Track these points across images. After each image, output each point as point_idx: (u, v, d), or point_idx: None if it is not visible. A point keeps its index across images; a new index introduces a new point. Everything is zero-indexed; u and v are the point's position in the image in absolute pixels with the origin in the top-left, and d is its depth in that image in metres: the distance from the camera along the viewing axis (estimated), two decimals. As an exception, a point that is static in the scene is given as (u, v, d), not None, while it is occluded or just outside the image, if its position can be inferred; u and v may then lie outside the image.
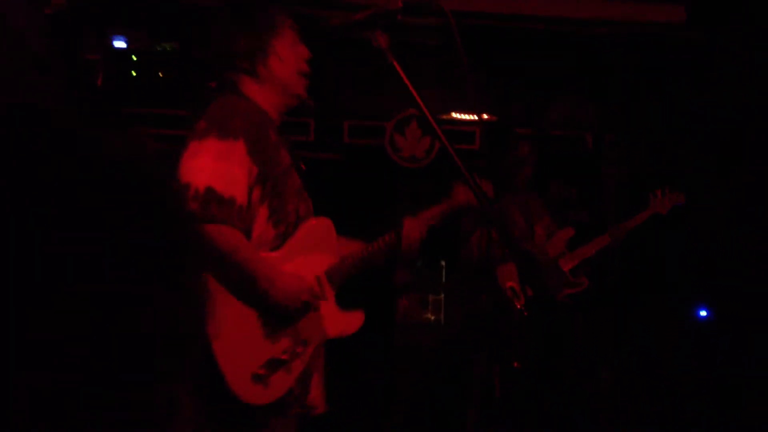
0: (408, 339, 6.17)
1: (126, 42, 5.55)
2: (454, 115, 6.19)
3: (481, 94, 5.82)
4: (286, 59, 2.86)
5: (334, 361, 2.94)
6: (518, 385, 4.70)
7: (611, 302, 5.76)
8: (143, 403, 0.60)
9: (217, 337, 2.58)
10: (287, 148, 2.85)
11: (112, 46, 5.52)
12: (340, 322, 2.91)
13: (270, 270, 2.67)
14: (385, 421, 5.86)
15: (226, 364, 2.57)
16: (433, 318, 6.36)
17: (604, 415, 5.50)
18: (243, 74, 2.85)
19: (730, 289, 5.60)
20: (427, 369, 6.00)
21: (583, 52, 5.91)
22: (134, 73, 5.60)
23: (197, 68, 5.56)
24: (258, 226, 2.72)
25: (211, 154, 2.62)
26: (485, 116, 6.18)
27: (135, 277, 0.58)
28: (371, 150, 6.09)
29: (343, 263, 2.93)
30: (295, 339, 2.75)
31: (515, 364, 4.51)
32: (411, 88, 2.12)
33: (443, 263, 6.33)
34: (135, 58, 5.58)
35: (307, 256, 2.82)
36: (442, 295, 6.35)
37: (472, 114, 6.15)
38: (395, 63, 2.13)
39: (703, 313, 5.93)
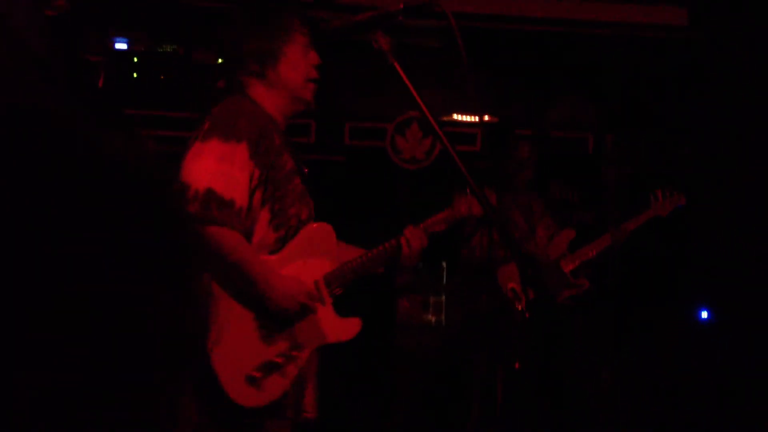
0: (409, 340, 6.17)
1: (127, 43, 5.55)
2: (454, 116, 6.20)
3: (481, 95, 5.82)
4: (297, 65, 2.86)
5: (334, 362, 2.94)
6: (519, 385, 4.70)
7: (612, 303, 5.76)
8: (144, 403, 0.60)
9: (213, 339, 2.58)
10: (291, 153, 2.84)
11: (113, 47, 5.52)
12: (337, 328, 2.90)
13: (268, 272, 2.67)
14: (386, 422, 5.85)
15: (221, 365, 2.58)
16: (433, 319, 6.36)
17: (604, 415, 5.50)
18: (252, 77, 2.84)
19: (730, 290, 5.59)
20: (427, 370, 6.00)
21: (584, 54, 5.92)
22: (135, 75, 5.60)
23: (199, 70, 5.57)
24: (259, 229, 2.72)
25: (214, 155, 2.62)
26: (486, 117, 6.18)
27: (135, 277, 0.58)
28: (372, 152, 6.09)
29: (342, 269, 2.92)
30: (290, 343, 2.75)
31: (516, 365, 4.51)
32: (412, 89, 2.12)
33: (444, 264, 6.33)
34: (136, 60, 5.58)
35: (307, 261, 2.82)
36: (443, 297, 6.35)
37: (473, 115, 6.15)
38: (396, 64, 2.13)
39: (704, 315, 5.93)
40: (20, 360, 0.54)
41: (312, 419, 2.86)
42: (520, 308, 4.46)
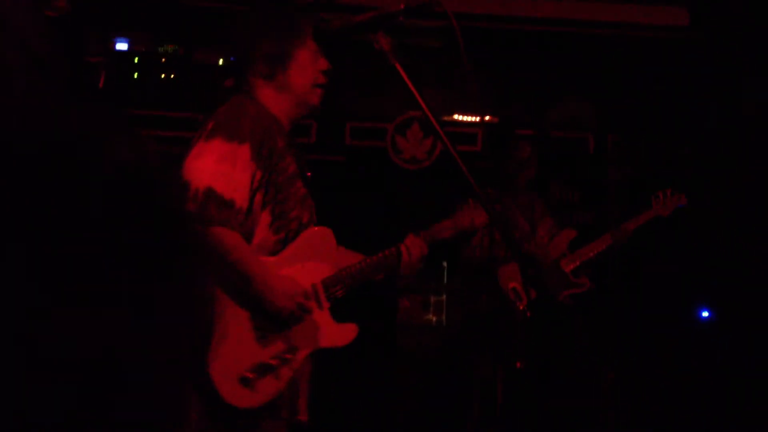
0: (409, 340, 6.17)
1: (128, 44, 5.56)
2: (455, 116, 6.20)
3: (482, 95, 5.82)
4: (306, 70, 2.86)
5: (335, 362, 2.94)
6: (519, 385, 4.70)
7: (613, 303, 5.76)
8: (145, 403, 0.60)
9: (217, 340, 2.59)
10: (294, 156, 2.84)
11: (114, 48, 5.53)
12: (333, 333, 2.89)
13: (265, 272, 2.67)
14: (387, 422, 5.85)
15: (215, 365, 2.58)
16: (434, 319, 6.36)
17: (606, 415, 5.49)
18: (261, 78, 2.84)
19: (730, 290, 5.59)
20: (428, 370, 6.00)
21: (584, 54, 5.92)
22: (136, 75, 5.60)
23: (199, 70, 5.57)
24: (259, 231, 2.72)
25: (215, 155, 2.62)
26: (487, 117, 6.18)
27: (135, 277, 0.58)
28: (373, 152, 6.09)
29: (341, 274, 2.92)
30: (286, 345, 2.75)
31: (518, 365, 4.51)
32: (413, 89, 2.12)
33: (445, 264, 6.32)
34: (137, 60, 5.58)
35: (305, 264, 2.82)
36: (444, 296, 6.34)
37: (474, 115, 6.15)
38: (397, 65, 2.13)
39: (705, 314, 5.93)
40: (20, 360, 0.54)
41: (304, 422, 2.86)
42: (521, 308, 4.45)
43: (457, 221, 3.29)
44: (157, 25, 5.61)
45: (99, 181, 0.58)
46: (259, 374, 2.67)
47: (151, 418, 0.61)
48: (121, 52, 5.55)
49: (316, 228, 2.88)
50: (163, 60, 5.61)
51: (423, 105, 2.13)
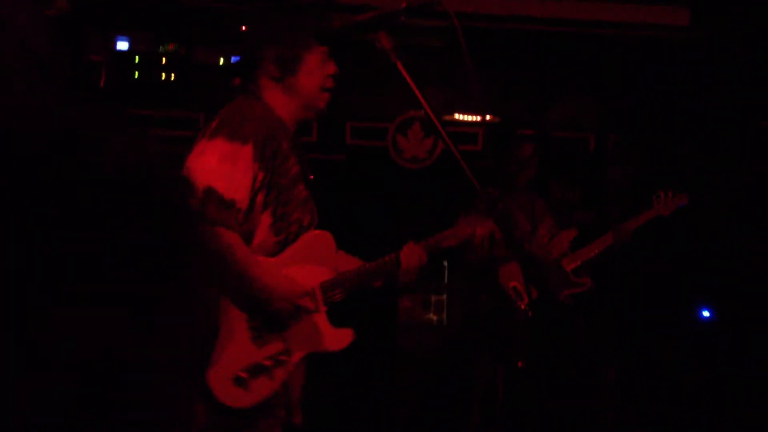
0: (410, 339, 6.17)
1: (129, 43, 5.55)
2: (456, 116, 6.19)
3: (483, 94, 5.82)
4: (315, 73, 2.86)
5: (335, 361, 2.94)
6: (521, 385, 4.70)
7: (613, 303, 5.75)
8: (147, 404, 0.60)
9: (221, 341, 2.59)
10: (298, 158, 2.84)
11: (115, 47, 5.52)
12: (329, 337, 2.89)
13: (264, 272, 2.66)
14: (387, 422, 5.85)
15: (210, 364, 2.57)
16: (435, 318, 6.36)
17: (607, 414, 5.49)
18: (269, 80, 2.84)
19: (730, 290, 5.59)
20: (428, 370, 6.00)
21: (585, 53, 5.91)
22: (137, 75, 5.60)
23: (200, 69, 5.57)
24: (260, 232, 2.71)
25: (217, 154, 2.61)
26: (488, 117, 6.18)
27: (136, 277, 0.58)
28: (373, 151, 6.09)
29: (340, 278, 2.92)
30: (281, 346, 2.74)
31: (519, 364, 4.51)
32: (415, 89, 2.12)
33: (445, 263, 6.32)
34: (137, 60, 5.58)
35: (304, 267, 2.81)
36: (445, 296, 6.34)
37: (475, 115, 6.15)
38: (399, 64, 2.13)
39: (706, 314, 5.93)
40: (20, 360, 0.54)
41: (298, 424, 2.86)
42: (523, 307, 4.45)
43: (458, 231, 3.30)
44: (157, 24, 5.61)
45: (100, 181, 0.58)
46: (253, 374, 2.66)
47: (153, 419, 0.61)
48: (121, 51, 5.55)
49: (316, 231, 2.88)
50: (164, 60, 5.61)
51: (425, 104, 2.13)
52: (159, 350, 0.60)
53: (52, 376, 0.55)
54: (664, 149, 6.14)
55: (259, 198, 2.69)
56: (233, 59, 5.52)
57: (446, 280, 6.32)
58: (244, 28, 2.97)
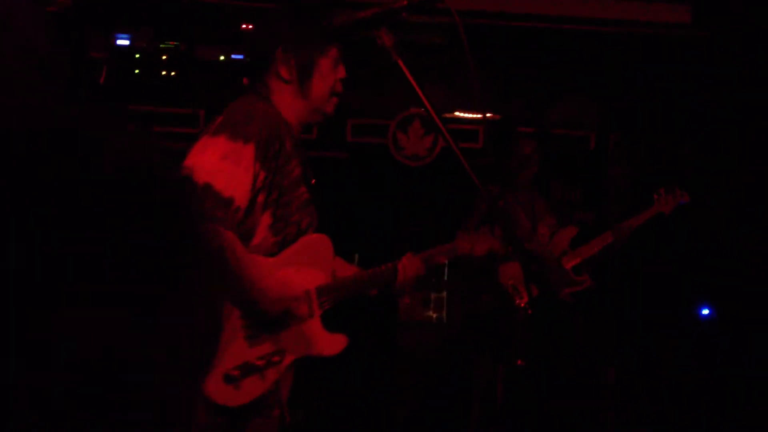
0: (410, 337, 6.17)
1: (129, 40, 5.55)
2: (456, 113, 6.19)
3: (484, 92, 5.82)
4: (327, 78, 2.85)
5: (335, 360, 2.93)
6: (521, 385, 4.70)
7: (613, 301, 5.76)
8: (146, 405, 0.60)
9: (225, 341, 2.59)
10: (300, 161, 2.83)
11: (116, 44, 5.52)
12: (322, 341, 2.88)
13: (257, 274, 2.66)
14: (387, 420, 5.86)
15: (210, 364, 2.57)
16: (435, 316, 6.36)
17: (607, 414, 5.50)
18: (279, 81, 2.83)
19: (730, 289, 5.59)
20: (428, 368, 6.00)
21: (586, 51, 5.91)
22: (137, 72, 5.60)
23: (201, 66, 5.57)
24: (260, 232, 2.71)
25: (219, 152, 2.61)
26: (488, 115, 6.18)
27: (137, 277, 0.58)
28: (374, 148, 6.09)
29: (336, 284, 2.91)
30: (274, 347, 2.74)
31: (519, 362, 4.51)
32: (416, 86, 2.12)
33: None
34: (138, 57, 5.58)
35: (300, 269, 2.80)
36: (444, 293, 6.35)
37: (476, 112, 6.15)
38: (400, 62, 2.12)
39: (706, 312, 5.93)
40: (20, 360, 0.54)
41: (288, 422, 2.85)
42: (522, 305, 4.45)
43: (457, 247, 3.29)
44: (158, 21, 5.61)
45: (100, 179, 0.57)
46: (245, 373, 2.66)
47: (153, 419, 0.60)
48: (122, 48, 5.55)
49: (315, 235, 2.87)
50: (165, 57, 5.61)
51: (426, 102, 2.13)
52: (159, 350, 0.60)
53: (52, 376, 0.55)
54: (664, 149, 6.13)
55: (260, 198, 2.68)
56: (234, 57, 5.52)
57: (446, 278, 6.33)
58: (251, 27, 2.96)
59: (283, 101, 2.82)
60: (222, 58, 5.61)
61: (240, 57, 5.31)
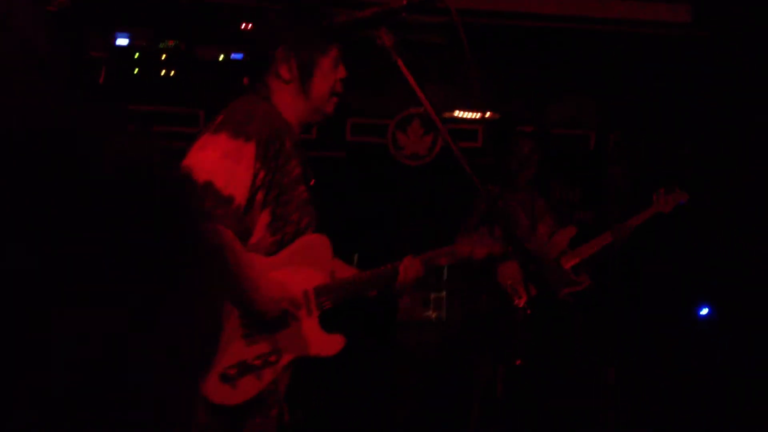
0: (409, 337, 6.17)
1: (129, 39, 5.54)
2: (456, 113, 6.19)
3: (484, 91, 5.81)
4: (328, 78, 2.85)
5: (334, 359, 2.93)
6: (521, 385, 4.70)
7: (614, 302, 5.76)
8: (146, 405, 0.60)
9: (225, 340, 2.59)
10: (300, 161, 2.83)
11: (115, 43, 5.52)
12: (320, 341, 2.87)
13: (255, 273, 2.66)
14: (387, 420, 5.85)
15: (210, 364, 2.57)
16: (434, 315, 6.36)
17: (607, 414, 5.50)
18: (279, 81, 2.83)
19: (730, 289, 5.59)
20: (428, 367, 6.00)
21: (586, 50, 5.91)
22: (136, 71, 5.59)
23: (200, 66, 5.57)
24: (258, 230, 2.71)
25: (219, 150, 2.61)
26: (488, 114, 6.18)
27: (138, 277, 0.58)
28: (373, 148, 6.09)
29: (334, 284, 2.91)
30: (271, 347, 2.73)
31: (517, 362, 4.51)
32: (416, 86, 2.12)
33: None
34: (137, 56, 5.57)
35: (298, 269, 2.80)
36: (444, 293, 6.34)
37: (475, 112, 6.15)
38: (400, 61, 2.12)
39: (704, 311, 5.93)
40: (20, 360, 0.54)
41: (286, 421, 2.85)
42: (521, 305, 4.45)
43: (456, 249, 3.29)
44: (157, 20, 5.60)
45: (100, 179, 0.57)
46: (241, 372, 2.66)
47: (153, 419, 0.60)
48: (121, 47, 5.54)
49: (314, 235, 2.87)
50: (164, 56, 5.60)
51: (425, 102, 2.13)
52: (159, 350, 0.60)
53: (52, 376, 0.54)
54: (664, 148, 6.13)
55: (259, 196, 2.68)
56: (233, 56, 5.52)
57: (445, 278, 6.33)
58: (250, 27, 2.96)
59: (283, 101, 2.82)
60: (221, 57, 5.61)
61: (240, 56, 5.31)
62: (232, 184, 2.60)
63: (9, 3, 0.62)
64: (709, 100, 5.80)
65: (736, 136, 5.73)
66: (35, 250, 0.53)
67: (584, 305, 5.19)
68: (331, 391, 5.26)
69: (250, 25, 4.84)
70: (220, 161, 2.59)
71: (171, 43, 5.62)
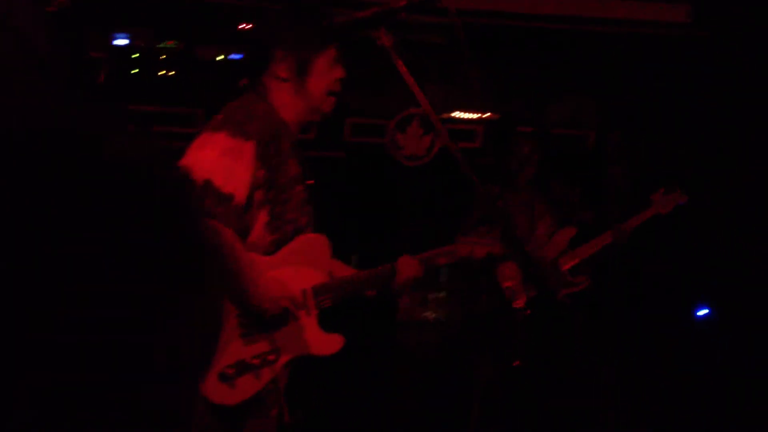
0: (409, 337, 6.17)
1: (128, 39, 5.54)
2: (456, 113, 6.19)
3: (483, 92, 5.82)
4: (325, 77, 2.86)
5: (334, 359, 2.93)
6: (521, 385, 4.70)
7: (613, 302, 5.76)
8: (144, 404, 0.60)
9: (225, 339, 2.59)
10: (298, 160, 2.84)
11: (114, 43, 5.51)
12: (319, 341, 2.87)
13: (254, 271, 2.66)
14: (387, 420, 5.85)
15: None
16: (433, 316, 6.36)
17: (607, 414, 5.50)
18: (278, 81, 2.84)
19: (730, 289, 5.59)
20: (428, 368, 6.00)
21: (585, 51, 5.91)
22: (136, 71, 5.59)
23: (199, 66, 5.57)
24: (256, 229, 2.72)
25: (219, 148, 2.62)
26: (487, 114, 6.18)
27: (136, 277, 0.58)
28: (372, 148, 6.09)
29: (333, 283, 2.91)
30: (269, 346, 2.74)
31: (516, 363, 4.51)
32: (415, 86, 2.12)
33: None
34: (136, 56, 5.57)
35: (297, 268, 2.81)
36: (443, 293, 6.34)
37: (475, 112, 6.15)
38: (399, 61, 2.12)
39: (703, 312, 5.93)
40: (20, 360, 0.54)
41: (287, 422, 2.85)
42: (521, 306, 4.45)
43: (456, 250, 3.29)
44: (157, 21, 5.60)
45: (100, 180, 0.57)
46: (240, 372, 2.66)
47: (153, 419, 0.60)
48: (120, 47, 5.54)
49: (312, 234, 2.88)
50: (163, 56, 5.60)
51: (424, 102, 2.13)
52: (159, 350, 0.60)
53: (52, 376, 0.55)
54: (665, 148, 6.13)
55: (258, 195, 2.69)
56: (232, 56, 5.52)
57: (446, 278, 6.33)
58: (249, 27, 2.98)
59: (281, 101, 2.83)
60: (221, 57, 5.61)
61: (239, 57, 5.31)
62: (231, 182, 2.61)
63: (9, 3, 0.62)
64: (708, 100, 5.80)
65: (736, 136, 5.73)
66: (35, 250, 0.53)
67: (584, 305, 5.19)
68: (331, 391, 5.26)
69: (249, 25, 4.85)
70: (219, 160, 2.60)
71: (170, 44, 5.62)
